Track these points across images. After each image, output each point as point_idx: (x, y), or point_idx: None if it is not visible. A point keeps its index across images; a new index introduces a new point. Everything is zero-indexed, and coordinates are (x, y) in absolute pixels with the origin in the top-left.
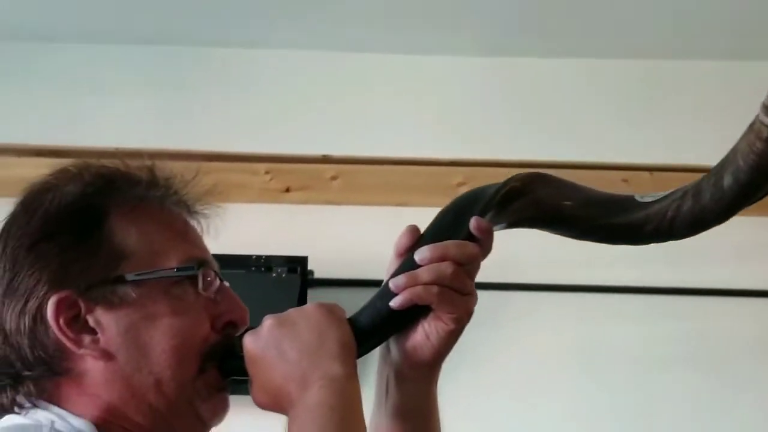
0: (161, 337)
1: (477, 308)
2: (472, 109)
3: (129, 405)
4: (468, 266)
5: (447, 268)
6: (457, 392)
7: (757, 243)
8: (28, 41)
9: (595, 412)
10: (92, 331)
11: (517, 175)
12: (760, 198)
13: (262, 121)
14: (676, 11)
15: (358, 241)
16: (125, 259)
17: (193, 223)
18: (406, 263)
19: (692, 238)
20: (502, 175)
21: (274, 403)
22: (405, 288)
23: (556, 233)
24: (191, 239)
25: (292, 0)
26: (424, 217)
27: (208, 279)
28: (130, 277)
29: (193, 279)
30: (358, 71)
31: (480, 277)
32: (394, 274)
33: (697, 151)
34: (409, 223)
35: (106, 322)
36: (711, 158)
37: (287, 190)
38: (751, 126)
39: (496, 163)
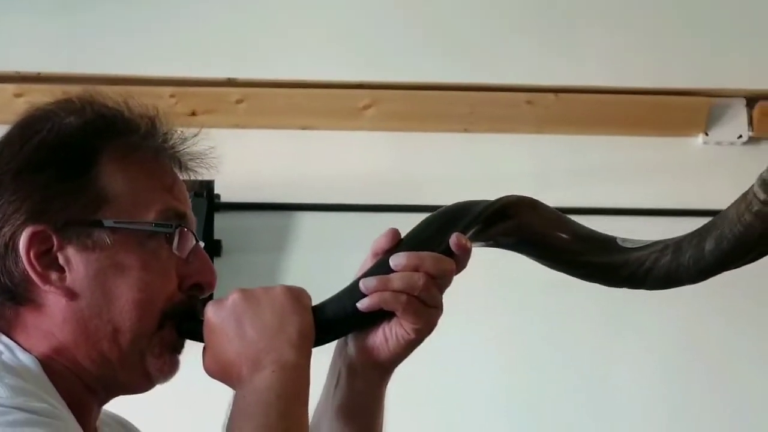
0: (127, 289)
1: (382, 230)
2: (377, 31)
3: (80, 348)
4: (441, 281)
5: (419, 279)
6: None
7: (654, 162)
8: None
9: (500, 329)
10: (60, 269)
11: (507, 196)
12: (737, 267)
13: (166, 44)
14: None
15: (264, 165)
16: (107, 204)
17: (183, 178)
18: (381, 265)
19: (591, 158)
20: (407, 98)
21: (224, 376)
22: (374, 291)
23: (532, 258)
24: (177, 195)
25: None
26: (330, 140)
27: (184, 238)
28: (108, 222)
29: (169, 236)
30: None
31: (384, 199)
32: (367, 274)
33: (603, 72)
34: (311, 149)
35: (76, 262)
36: (614, 79)
37: (193, 113)
38: (744, 195)
39: (401, 86)
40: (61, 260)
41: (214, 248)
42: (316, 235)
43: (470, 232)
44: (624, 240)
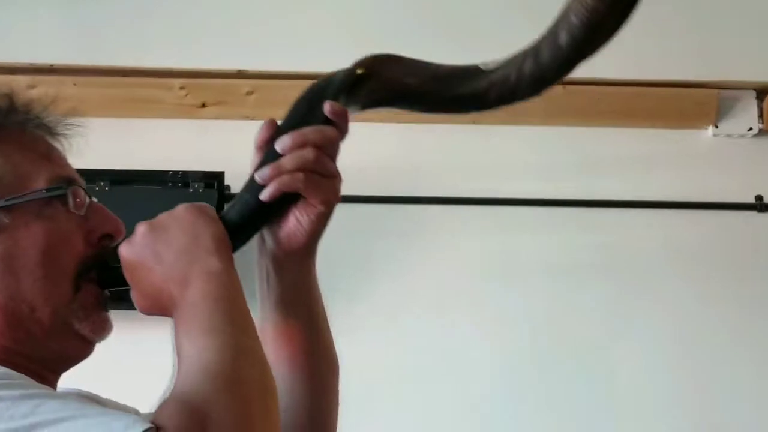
0: (33, 264)
1: (389, 222)
2: (386, 23)
3: (5, 335)
4: (329, 149)
5: (309, 153)
6: (374, 305)
7: (663, 154)
8: None
9: (508, 322)
10: None
11: (364, 58)
12: (594, 53)
13: (177, 36)
14: None
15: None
16: None
17: (56, 144)
18: (269, 155)
19: (599, 150)
20: None
21: (157, 306)
22: (271, 178)
23: (409, 110)
24: (56, 160)
25: None
26: None
27: (78, 197)
28: (0, 203)
29: (63, 198)
30: None
31: (390, 191)
32: (258, 167)
33: (609, 64)
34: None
35: None
36: (623, 71)
37: (203, 105)
38: None
39: None
40: None
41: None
42: None
43: (340, 101)
44: (486, 64)
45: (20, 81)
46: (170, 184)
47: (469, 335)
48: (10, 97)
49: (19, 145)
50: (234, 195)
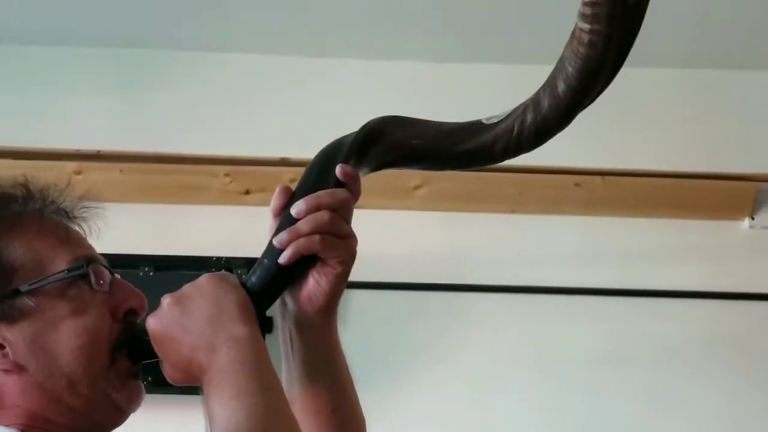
0: (66, 340)
1: (431, 308)
2: (425, 113)
3: (48, 409)
4: (342, 211)
5: (323, 215)
6: (413, 391)
7: (701, 245)
8: None
9: (547, 410)
10: (0, 347)
11: (369, 121)
12: (593, 100)
13: (222, 124)
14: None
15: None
16: (15, 273)
17: (75, 227)
18: (285, 220)
19: (638, 241)
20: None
21: (187, 375)
22: (289, 242)
23: (419, 169)
24: (75, 241)
25: (253, 4)
26: (382, 219)
27: (100, 274)
28: (24, 288)
29: (85, 277)
30: (316, 76)
31: (433, 278)
32: (276, 232)
33: (647, 156)
34: (361, 228)
35: (12, 336)
36: (661, 163)
37: (247, 192)
38: (573, 34)
39: None
40: None
41: (267, 325)
42: (367, 312)
43: (350, 163)
44: (488, 118)
45: (67, 167)
46: (214, 270)
47: (507, 423)
48: (25, 185)
49: (37, 231)
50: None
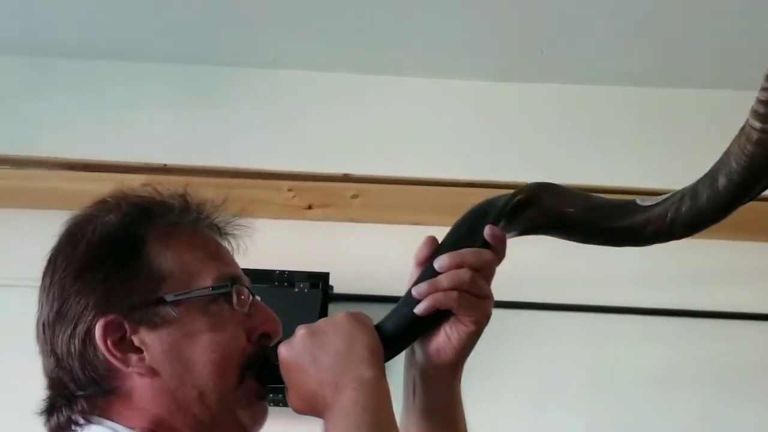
0: (202, 353)
1: (489, 327)
2: (487, 132)
3: (175, 416)
4: (484, 272)
5: (465, 274)
6: (468, 407)
7: (761, 268)
8: (61, 57)
9: (599, 429)
10: (138, 350)
11: (525, 186)
12: (753, 197)
13: (285, 139)
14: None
15: (376, 258)
16: (164, 282)
17: (225, 243)
18: (427, 271)
19: (697, 261)
20: None
21: (310, 407)
22: (427, 294)
23: (565, 239)
24: (223, 258)
25: (317, 22)
26: (440, 235)
27: (242, 295)
28: (169, 298)
29: (228, 296)
30: (380, 93)
31: (498, 296)
32: (416, 282)
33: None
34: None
35: (150, 341)
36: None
37: (309, 207)
38: (742, 130)
39: (509, 185)
40: (136, 342)
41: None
42: None
43: (499, 225)
44: (643, 199)
45: (134, 179)
46: (276, 284)
47: None
48: (184, 197)
49: (190, 244)
50: (337, 295)
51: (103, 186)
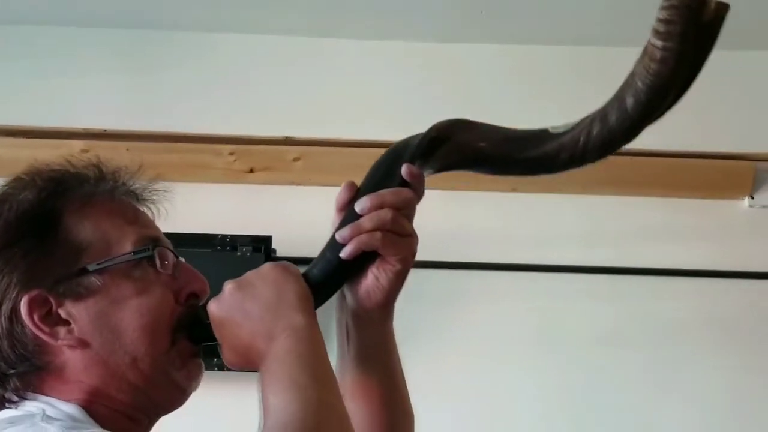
0: (130, 318)
1: (432, 286)
2: (428, 94)
3: (110, 385)
4: (405, 210)
5: (386, 214)
6: (414, 368)
7: (700, 224)
8: (1, 24)
9: (548, 388)
10: (66, 323)
11: (438, 123)
12: (660, 116)
13: (226, 103)
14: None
15: (320, 221)
16: (84, 252)
17: (144, 209)
18: (348, 216)
19: (638, 219)
20: None
21: (245, 360)
22: (351, 237)
23: (482, 172)
24: (142, 222)
25: None
26: None
27: (165, 257)
28: (91, 267)
29: (150, 259)
30: (320, 56)
31: (435, 256)
32: (339, 227)
33: (647, 135)
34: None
35: (77, 312)
36: (661, 142)
37: (251, 170)
38: (645, 50)
39: None
40: (63, 315)
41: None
42: None
43: (416, 164)
44: (555, 127)
45: (74, 146)
46: (219, 248)
47: (508, 400)
48: (98, 166)
49: (107, 212)
50: (280, 259)
51: (43, 152)
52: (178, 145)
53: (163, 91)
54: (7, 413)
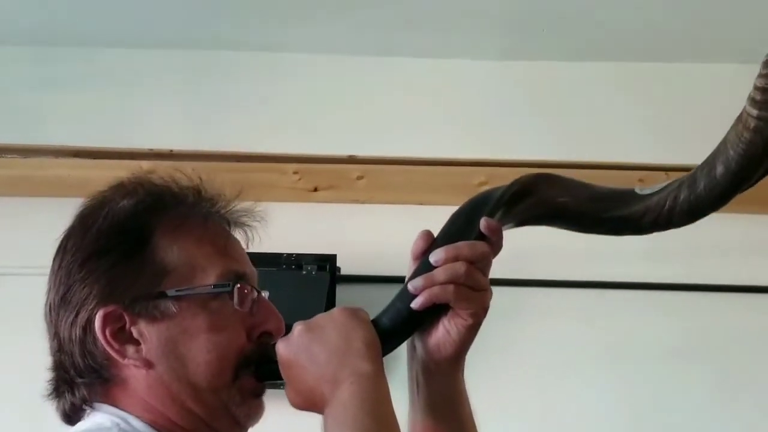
0: (198, 351)
1: (496, 303)
2: (492, 111)
3: (170, 409)
4: (480, 264)
5: (461, 267)
6: (474, 386)
7: (764, 240)
8: (66, 46)
9: (613, 406)
10: (136, 342)
11: (521, 177)
12: (751, 185)
13: (290, 122)
14: (701, 15)
15: (383, 239)
16: (167, 276)
17: (236, 234)
18: (423, 266)
19: (707, 235)
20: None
21: (309, 403)
22: (423, 289)
23: (563, 228)
24: (231, 254)
25: (320, 5)
26: (447, 215)
27: (244, 293)
28: (171, 292)
29: (231, 294)
30: (383, 74)
31: (498, 273)
32: (412, 277)
33: (711, 151)
34: (429, 224)
35: (149, 333)
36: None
37: (315, 189)
38: (739, 117)
39: (515, 163)
40: (135, 334)
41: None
42: None
43: (496, 216)
44: (642, 189)
45: (141, 166)
46: (284, 267)
47: (572, 419)
48: (198, 189)
49: (198, 238)
50: (345, 277)
51: (109, 173)
52: (243, 164)
53: (228, 110)
54: (81, 426)
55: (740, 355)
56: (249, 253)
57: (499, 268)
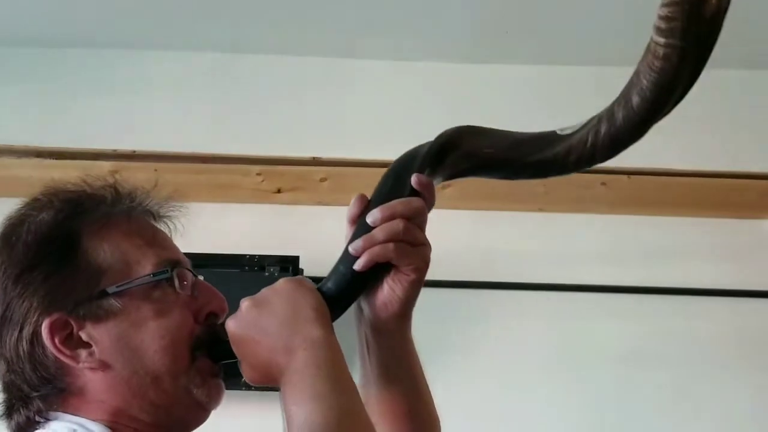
0: (151, 340)
1: (460, 305)
2: (456, 114)
3: (132, 405)
4: (416, 219)
5: (398, 224)
6: (440, 388)
7: (731, 244)
8: (24, 46)
9: (573, 406)
10: (87, 345)
11: (446, 130)
12: (667, 113)
13: (254, 124)
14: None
15: (346, 241)
16: (104, 275)
17: (161, 227)
18: (360, 228)
19: (663, 239)
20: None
21: (265, 376)
22: (364, 250)
23: (492, 177)
24: (161, 243)
25: (283, 7)
26: None
27: (184, 278)
28: (111, 289)
29: (170, 280)
30: (346, 77)
31: (463, 276)
32: (351, 239)
33: (673, 155)
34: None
35: (98, 334)
36: (686, 162)
37: (278, 191)
38: (648, 47)
39: None
40: (84, 338)
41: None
42: None
43: (426, 172)
44: (563, 129)
45: (103, 167)
46: (247, 268)
47: (532, 419)
48: (114, 186)
49: (125, 233)
50: (308, 278)
51: (71, 173)
52: (207, 165)
53: (191, 112)
54: None
55: (699, 359)
56: (212, 254)
57: (463, 271)
